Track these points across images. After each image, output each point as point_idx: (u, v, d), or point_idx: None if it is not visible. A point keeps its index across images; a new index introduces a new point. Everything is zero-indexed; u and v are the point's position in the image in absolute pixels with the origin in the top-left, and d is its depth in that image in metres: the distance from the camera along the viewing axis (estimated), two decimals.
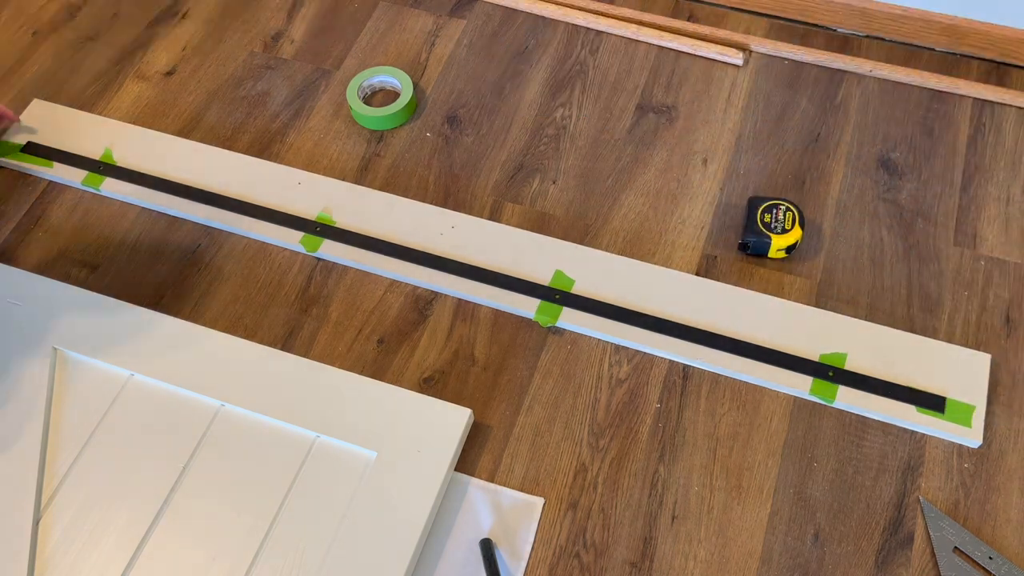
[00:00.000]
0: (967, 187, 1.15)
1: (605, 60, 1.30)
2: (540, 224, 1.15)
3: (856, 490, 0.95)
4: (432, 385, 1.03)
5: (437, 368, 1.05)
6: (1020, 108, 1.21)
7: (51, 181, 1.22)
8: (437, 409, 0.98)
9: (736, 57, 1.28)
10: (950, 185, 1.16)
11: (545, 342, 1.06)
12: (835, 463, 0.96)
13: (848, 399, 0.99)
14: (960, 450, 0.97)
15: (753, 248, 1.09)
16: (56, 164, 1.22)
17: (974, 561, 0.90)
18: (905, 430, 0.98)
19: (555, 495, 0.96)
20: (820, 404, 1.00)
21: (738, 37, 1.30)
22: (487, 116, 1.26)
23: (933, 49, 1.29)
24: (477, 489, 0.96)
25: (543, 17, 1.36)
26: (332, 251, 1.12)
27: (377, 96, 1.29)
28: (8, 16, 1.41)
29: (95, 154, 1.23)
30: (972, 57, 1.27)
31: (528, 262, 1.10)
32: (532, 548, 0.93)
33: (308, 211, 1.16)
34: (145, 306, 1.09)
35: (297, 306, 1.10)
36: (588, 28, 1.34)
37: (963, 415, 0.97)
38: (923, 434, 0.98)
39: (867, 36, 1.31)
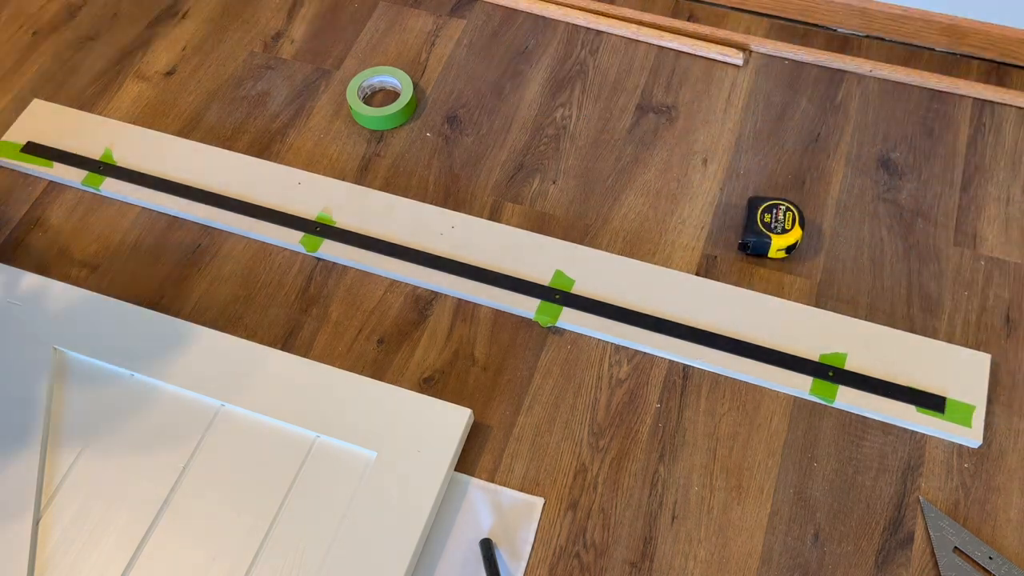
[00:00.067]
0: (967, 187, 1.15)
1: (605, 60, 1.30)
2: (540, 224, 1.15)
3: (856, 490, 0.95)
4: (432, 385, 1.03)
5: (437, 368, 1.05)
6: (1020, 108, 1.21)
7: (51, 181, 1.22)
8: (437, 409, 0.98)
9: (736, 57, 1.28)
10: (950, 185, 1.16)
11: (545, 342, 1.06)
12: (835, 463, 0.96)
13: (848, 399, 0.99)
14: (960, 450, 0.97)
15: (753, 248, 1.09)
16: (56, 164, 1.22)
17: (974, 561, 0.90)
18: (905, 430, 0.98)
19: (555, 495, 0.96)
20: (820, 404, 1.00)
21: (738, 37, 1.30)
22: (487, 116, 1.26)
23: (933, 49, 1.29)
24: (477, 489, 0.96)
25: (543, 17, 1.36)
26: (332, 251, 1.12)
27: (377, 96, 1.29)
28: (8, 16, 1.41)
29: (95, 154, 1.23)
30: (972, 57, 1.27)
31: (528, 262, 1.10)
32: (532, 548, 0.93)
33: (308, 211, 1.16)
34: (145, 306, 1.09)
35: (297, 306, 1.10)
36: (588, 28, 1.34)
37: (963, 415, 0.97)
38: (923, 434, 0.98)
39: (867, 36, 1.31)
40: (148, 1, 1.42)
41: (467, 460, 0.98)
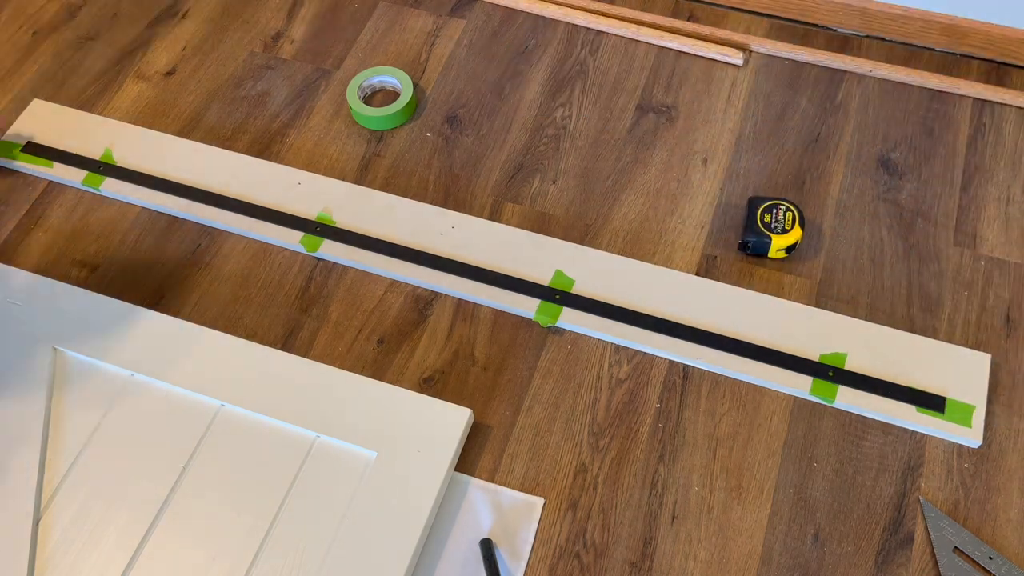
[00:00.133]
0: (967, 187, 1.15)
1: (605, 60, 1.30)
2: (540, 224, 1.15)
3: (856, 490, 0.95)
4: (432, 385, 1.03)
5: (437, 368, 1.05)
6: (1020, 108, 1.21)
7: (51, 181, 1.22)
8: (437, 409, 0.98)
9: (736, 57, 1.28)
10: (950, 185, 1.16)
11: (545, 342, 1.06)
12: (835, 463, 0.96)
13: (848, 399, 0.99)
14: (960, 450, 0.97)
15: (753, 248, 1.09)
16: (56, 164, 1.22)
17: (974, 561, 0.90)
18: (905, 430, 0.98)
19: (555, 495, 0.96)
20: (820, 404, 1.00)
21: (738, 37, 1.30)
22: (487, 116, 1.26)
23: (933, 49, 1.29)
24: (477, 489, 0.96)
25: (543, 17, 1.36)
26: (332, 251, 1.12)
27: (377, 96, 1.29)
28: (8, 16, 1.41)
29: (95, 154, 1.23)
30: (972, 57, 1.27)
31: (528, 262, 1.10)
32: (532, 548, 0.93)
33: (308, 211, 1.16)
34: (145, 306, 1.09)
35: (297, 306, 1.10)
36: (588, 28, 1.34)
37: (963, 415, 0.97)
38: (923, 434, 0.98)
39: (867, 36, 1.31)
40: (148, 1, 1.42)
41: (467, 460, 0.98)
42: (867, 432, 0.98)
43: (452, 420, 0.97)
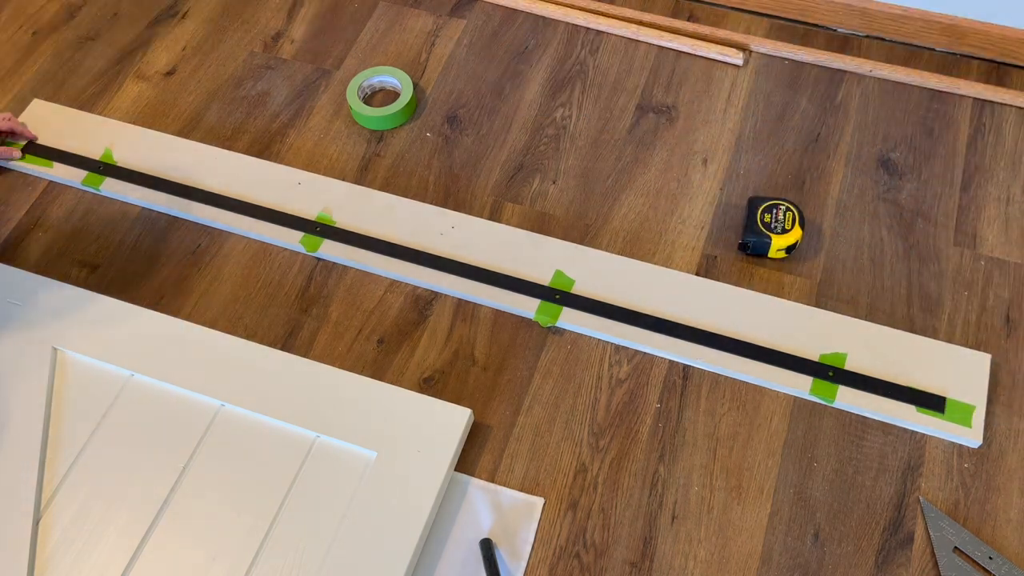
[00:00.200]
0: (967, 187, 1.15)
1: (605, 60, 1.30)
2: (540, 224, 1.15)
3: (856, 490, 0.95)
4: (432, 385, 1.03)
5: (437, 368, 1.05)
6: (1020, 108, 1.21)
7: (51, 181, 1.22)
8: (437, 409, 0.98)
9: (736, 57, 1.28)
10: (950, 185, 1.16)
11: (545, 342, 1.06)
12: (835, 463, 0.96)
13: (848, 399, 0.99)
14: (960, 450, 0.97)
15: (753, 248, 1.09)
16: (56, 164, 1.22)
17: (974, 561, 0.90)
18: (905, 430, 0.98)
19: (555, 495, 0.96)
20: (820, 404, 1.00)
21: (738, 37, 1.30)
22: (487, 116, 1.26)
23: (933, 49, 1.29)
24: (477, 489, 0.96)
25: (543, 17, 1.36)
26: (332, 251, 1.12)
27: (377, 96, 1.29)
28: (8, 16, 1.41)
29: (95, 154, 1.23)
30: (972, 57, 1.27)
31: (528, 262, 1.10)
32: (532, 548, 0.93)
33: (308, 211, 1.16)
34: (145, 306, 1.09)
35: (297, 306, 1.10)
36: (588, 28, 1.34)
37: (963, 415, 0.97)
38: (923, 434, 0.98)
39: (867, 36, 1.31)
40: (148, 1, 1.42)
41: (467, 460, 0.98)
42: (867, 432, 0.98)
43: (452, 420, 0.97)
